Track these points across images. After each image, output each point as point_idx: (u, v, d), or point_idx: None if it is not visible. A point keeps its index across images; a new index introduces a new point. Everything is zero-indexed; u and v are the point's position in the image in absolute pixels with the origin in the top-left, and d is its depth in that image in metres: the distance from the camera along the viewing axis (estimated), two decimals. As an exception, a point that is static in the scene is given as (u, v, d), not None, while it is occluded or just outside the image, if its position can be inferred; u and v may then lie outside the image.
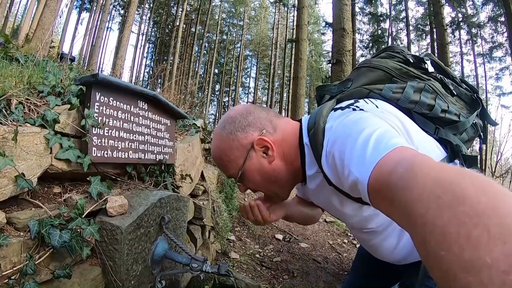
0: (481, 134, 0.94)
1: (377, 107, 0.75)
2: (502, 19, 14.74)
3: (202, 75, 32.29)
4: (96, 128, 1.24)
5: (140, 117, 1.55)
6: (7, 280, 0.89)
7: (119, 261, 1.16)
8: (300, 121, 0.87)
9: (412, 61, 0.90)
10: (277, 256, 3.19)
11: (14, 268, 0.91)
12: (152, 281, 1.34)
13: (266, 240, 3.57)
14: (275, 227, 3.91)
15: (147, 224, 1.28)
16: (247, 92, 39.50)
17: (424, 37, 18.93)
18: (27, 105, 1.13)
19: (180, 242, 1.39)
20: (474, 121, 0.89)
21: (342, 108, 0.75)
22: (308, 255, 3.39)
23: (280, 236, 3.68)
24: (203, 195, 2.61)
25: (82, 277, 1.11)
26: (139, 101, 1.54)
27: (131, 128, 1.47)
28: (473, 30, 17.19)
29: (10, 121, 1.00)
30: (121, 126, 1.40)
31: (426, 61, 0.91)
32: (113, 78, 1.30)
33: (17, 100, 1.11)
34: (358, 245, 4.03)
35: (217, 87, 36.44)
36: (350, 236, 4.21)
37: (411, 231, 0.38)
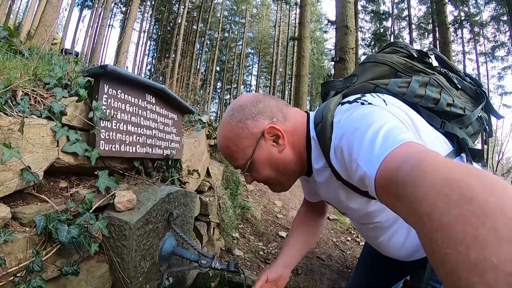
0: (487, 127, 0.94)
1: (384, 101, 0.73)
2: (505, 18, 14.70)
3: (204, 73, 32.26)
4: (104, 121, 1.20)
5: (148, 111, 1.51)
6: (12, 277, 0.85)
7: (127, 257, 1.12)
8: (307, 113, 0.86)
9: (416, 55, 0.90)
10: (281, 254, 3.16)
11: (20, 265, 0.87)
12: (160, 278, 1.31)
13: (270, 237, 3.54)
14: (279, 224, 3.88)
15: (156, 220, 1.25)
16: (248, 90, 39.45)
17: (426, 35, 18.90)
18: (33, 96, 1.10)
19: (188, 238, 1.36)
20: (480, 115, 0.89)
21: (349, 102, 0.74)
22: (312, 252, 3.37)
23: (284, 234, 3.65)
24: (209, 192, 2.58)
25: (89, 274, 1.08)
26: (147, 95, 1.51)
27: (138, 122, 1.43)
28: (476, 29, 17.17)
29: (16, 112, 0.97)
30: (129, 120, 1.36)
31: (430, 56, 0.91)
32: (122, 70, 1.26)
33: (23, 91, 1.07)
34: (362, 243, 4.01)
35: (219, 84, 36.39)
36: (353, 234, 4.18)
37: (418, 229, 0.37)
